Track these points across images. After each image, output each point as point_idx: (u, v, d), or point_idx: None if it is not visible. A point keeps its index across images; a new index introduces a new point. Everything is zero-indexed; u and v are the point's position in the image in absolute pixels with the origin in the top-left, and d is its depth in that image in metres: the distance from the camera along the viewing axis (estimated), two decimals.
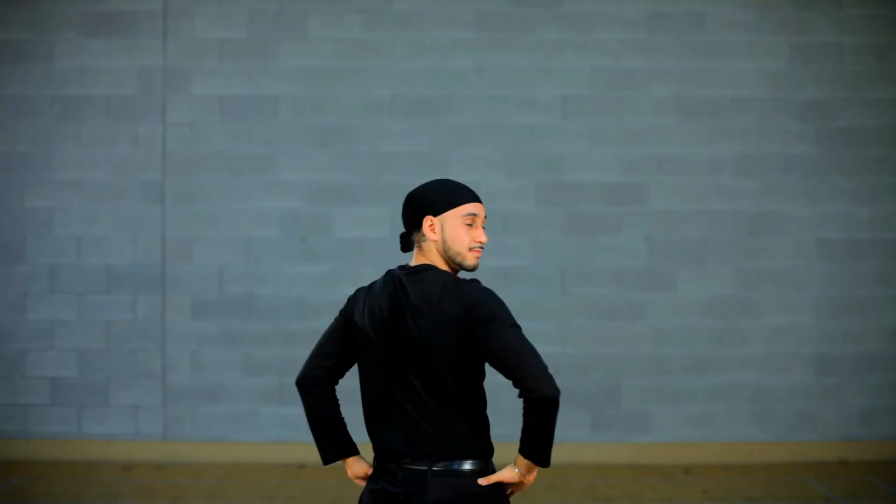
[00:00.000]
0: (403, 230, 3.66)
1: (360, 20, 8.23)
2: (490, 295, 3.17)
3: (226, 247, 8.23)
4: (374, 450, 3.31)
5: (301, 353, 8.19)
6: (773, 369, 8.25)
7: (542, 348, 9.11)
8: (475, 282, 3.23)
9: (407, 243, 3.36)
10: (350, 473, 3.47)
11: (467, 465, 3.23)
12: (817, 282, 8.26)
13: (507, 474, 3.23)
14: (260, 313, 8.21)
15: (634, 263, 8.25)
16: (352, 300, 3.37)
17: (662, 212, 8.25)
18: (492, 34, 8.23)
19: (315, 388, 3.41)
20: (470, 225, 3.27)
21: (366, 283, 3.74)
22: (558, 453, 8.35)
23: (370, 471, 3.41)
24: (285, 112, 8.23)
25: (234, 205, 8.22)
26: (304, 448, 8.02)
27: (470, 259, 3.28)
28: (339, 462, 3.46)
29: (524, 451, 3.16)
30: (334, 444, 3.44)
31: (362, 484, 3.44)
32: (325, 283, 8.18)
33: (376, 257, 8.16)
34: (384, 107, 8.22)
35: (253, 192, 8.22)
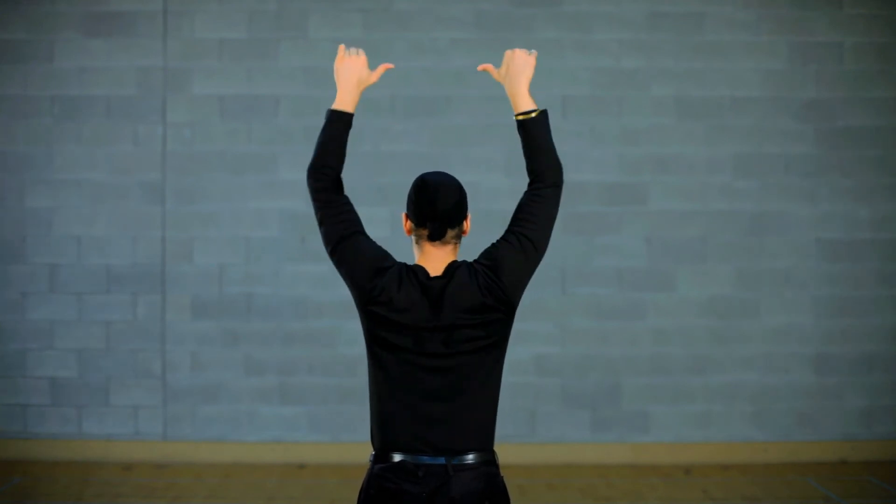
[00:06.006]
0: (438, 221, 3.39)
1: (360, 20, 8.23)
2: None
3: (226, 247, 8.23)
4: (385, 448, 3.25)
5: (301, 353, 8.20)
6: (773, 369, 8.25)
7: (542, 348, 9.01)
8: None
9: (443, 234, 3.36)
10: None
11: (482, 457, 3.23)
12: (817, 282, 8.26)
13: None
14: (260, 313, 8.21)
15: (634, 263, 8.24)
16: (389, 268, 3.29)
17: (662, 212, 8.25)
18: (491, 34, 8.23)
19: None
20: None
21: None
22: (558, 453, 8.36)
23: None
24: (285, 112, 8.23)
25: (234, 205, 8.23)
26: (305, 448, 8.02)
27: None
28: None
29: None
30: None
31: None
32: (325, 283, 8.18)
33: None
34: (384, 107, 8.22)
35: (253, 192, 8.22)
